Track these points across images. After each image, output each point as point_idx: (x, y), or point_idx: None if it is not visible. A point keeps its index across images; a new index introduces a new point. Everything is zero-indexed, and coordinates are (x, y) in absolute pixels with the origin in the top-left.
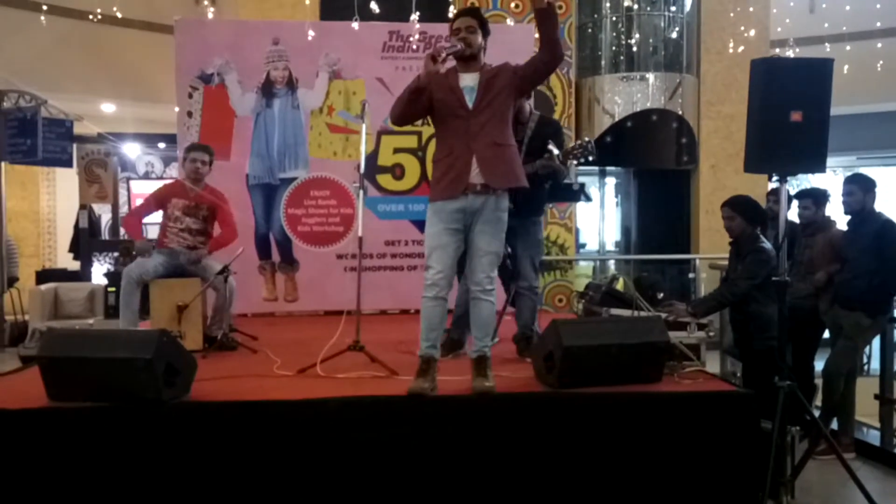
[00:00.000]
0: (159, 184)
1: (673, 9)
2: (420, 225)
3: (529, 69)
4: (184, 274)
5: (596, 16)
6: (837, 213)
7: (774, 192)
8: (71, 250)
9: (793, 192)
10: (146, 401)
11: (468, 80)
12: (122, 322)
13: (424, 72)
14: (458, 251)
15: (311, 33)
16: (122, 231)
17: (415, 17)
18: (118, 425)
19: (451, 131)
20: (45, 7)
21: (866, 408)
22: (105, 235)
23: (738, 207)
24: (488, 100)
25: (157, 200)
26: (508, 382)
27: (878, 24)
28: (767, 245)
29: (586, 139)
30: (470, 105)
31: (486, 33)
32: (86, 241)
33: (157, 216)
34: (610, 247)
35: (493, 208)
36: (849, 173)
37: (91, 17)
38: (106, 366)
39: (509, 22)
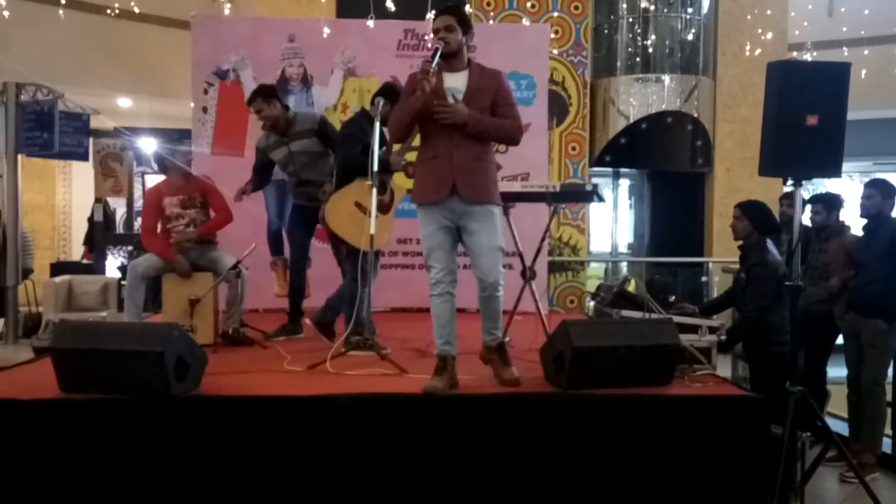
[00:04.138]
0: None
1: (690, 10)
2: None
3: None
4: (195, 268)
5: (612, 17)
6: (852, 218)
7: (788, 196)
8: (86, 243)
9: (807, 197)
10: (156, 394)
11: (453, 81)
12: (126, 316)
13: (421, 93)
14: (455, 245)
15: (326, 31)
16: (136, 226)
17: (430, 15)
18: (128, 418)
19: (435, 135)
20: (62, 1)
21: None
22: (119, 229)
23: (749, 211)
24: (473, 109)
25: (154, 208)
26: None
27: None
28: (772, 256)
29: None
30: None
31: (465, 29)
32: (100, 235)
33: None
34: (622, 249)
35: (480, 204)
36: (865, 178)
37: (109, 11)
38: (117, 358)
39: (525, 22)
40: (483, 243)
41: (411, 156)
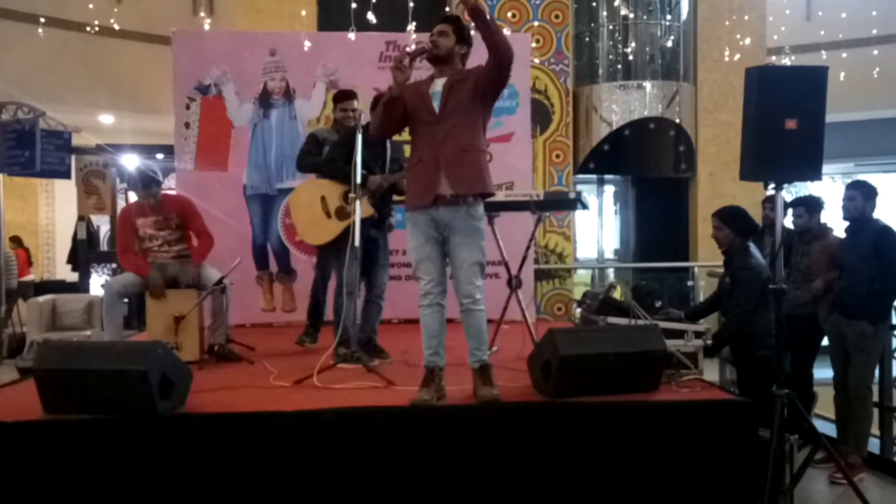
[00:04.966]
0: None
1: (669, 17)
2: None
3: (484, 72)
4: (176, 285)
5: (593, 25)
6: (835, 220)
7: (771, 200)
8: (69, 262)
9: (789, 200)
10: (141, 413)
11: (439, 86)
12: (106, 334)
13: (394, 83)
14: (444, 256)
15: (307, 44)
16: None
17: (411, 27)
18: (113, 437)
19: (420, 138)
20: (43, 19)
21: None
22: (103, 247)
23: (727, 218)
24: (454, 104)
25: (128, 227)
26: (505, 392)
27: (875, 31)
28: (755, 259)
29: None
30: (436, 110)
31: (461, 39)
32: (84, 253)
33: None
34: (609, 255)
35: (466, 218)
36: (847, 180)
37: (89, 28)
38: (101, 378)
39: (506, 31)
40: (463, 257)
41: None
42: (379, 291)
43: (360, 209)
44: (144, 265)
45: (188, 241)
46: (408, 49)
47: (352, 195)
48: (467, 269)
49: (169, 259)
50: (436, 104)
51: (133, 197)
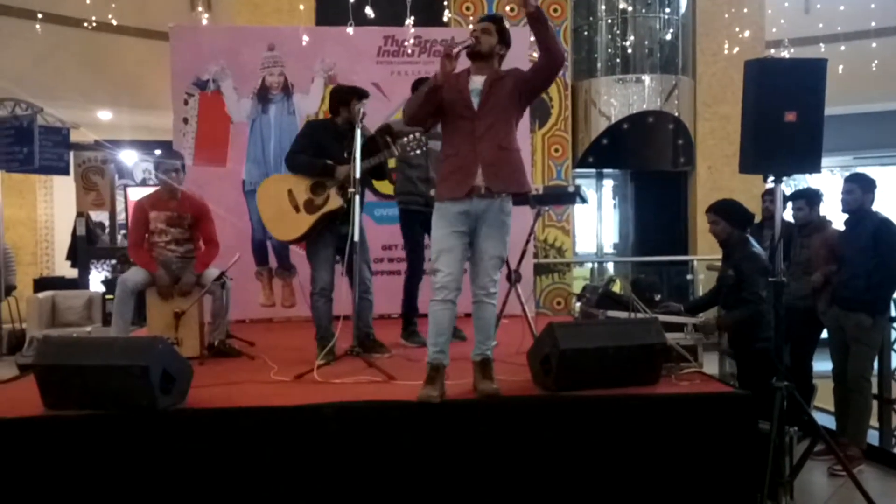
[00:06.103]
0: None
1: (668, 11)
2: None
3: (530, 73)
4: (179, 281)
5: (591, 18)
6: (834, 213)
7: (770, 193)
8: (68, 258)
9: (788, 193)
10: (142, 408)
11: (477, 83)
12: (113, 330)
13: (441, 71)
14: (465, 253)
15: (305, 39)
16: (119, 239)
17: (409, 21)
18: (114, 433)
19: (457, 131)
20: (40, 15)
21: None
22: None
23: (722, 212)
24: (493, 102)
25: (141, 219)
26: (505, 386)
27: (873, 23)
28: (757, 249)
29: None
30: (475, 107)
31: (502, 40)
32: (83, 249)
33: None
34: (608, 249)
35: (497, 212)
36: (845, 173)
37: (86, 24)
38: (101, 373)
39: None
40: (485, 248)
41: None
42: (364, 287)
43: (330, 202)
44: (151, 261)
45: (195, 244)
46: (457, 41)
47: (351, 190)
48: (487, 262)
49: (173, 257)
50: (474, 100)
51: (136, 194)
